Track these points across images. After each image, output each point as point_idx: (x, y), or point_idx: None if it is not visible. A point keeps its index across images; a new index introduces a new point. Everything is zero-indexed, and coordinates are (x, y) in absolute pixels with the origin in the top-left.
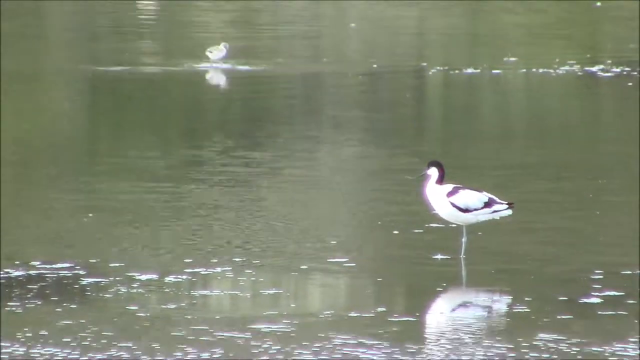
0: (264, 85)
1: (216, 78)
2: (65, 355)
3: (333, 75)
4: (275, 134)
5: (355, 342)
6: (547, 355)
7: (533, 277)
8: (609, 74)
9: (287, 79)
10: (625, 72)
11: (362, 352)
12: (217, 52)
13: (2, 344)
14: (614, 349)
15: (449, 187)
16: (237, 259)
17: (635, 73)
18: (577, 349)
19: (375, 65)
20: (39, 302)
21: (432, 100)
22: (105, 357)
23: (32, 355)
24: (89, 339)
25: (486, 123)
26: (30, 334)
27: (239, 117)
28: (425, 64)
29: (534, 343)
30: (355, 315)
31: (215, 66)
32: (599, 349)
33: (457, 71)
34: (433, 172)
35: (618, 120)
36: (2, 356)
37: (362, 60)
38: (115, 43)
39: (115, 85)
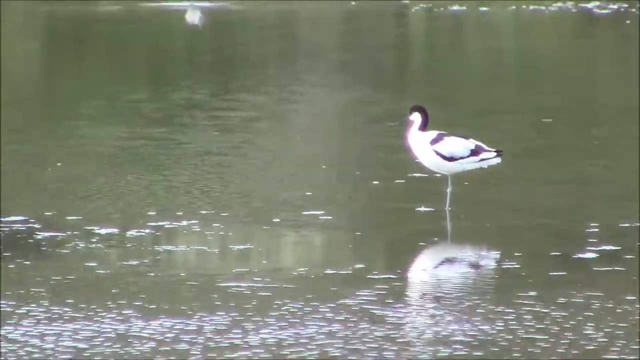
0: (238, 25)
1: (191, 17)
2: (18, 313)
3: (310, 14)
4: (249, 78)
5: (332, 301)
6: (538, 315)
7: (524, 231)
8: (606, 11)
9: (262, 18)
10: (623, 9)
11: (338, 312)
12: None
13: None
14: (611, 307)
15: (432, 133)
16: (204, 212)
17: (634, 10)
18: (572, 307)
19: (353, 3)
20: None
21: (415, 40)
22: (61, 314)
23: None
24: (44, 297)
25: (474, 64)
26: None
27: (214, 58)
28: (407, 1)
29: (524, 301)
30: (332, 272)
31: (190, 5)
32: (594, 307)
33: (441, 9)
34: (416, 117)
35: (615, 61)
36: None
37: None
38: None
39: (80, 25)
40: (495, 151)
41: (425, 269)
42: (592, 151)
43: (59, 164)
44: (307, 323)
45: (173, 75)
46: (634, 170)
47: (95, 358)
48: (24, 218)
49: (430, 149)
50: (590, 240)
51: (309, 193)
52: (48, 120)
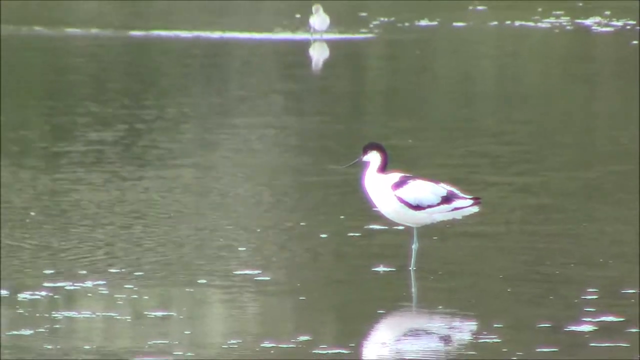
0: (157, 52)
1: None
2: None
3: (243, 38)
4: (166, 108)
5: None
6: None
7: (506, 296)
8: (607, 29)
9: (189, 45)
10: (628, 27)
11: None
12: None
13: None
14: None
15: (395, 176)
16: (113, 270)
17: None
18: None
19: (298, 16)
20: None
21: (373, 61)
22: None
23: None
24: None
25: (445, 93)
26: None
27: (124, 85)
28: (364, 14)
29: None
30: (270, 345)
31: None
32: None
33: (406, 24)
34: (373, 157)
35: (617, 91)
36: None
37: (284, 11)
38: None
39: None
40: (471, 199)
41: (385, 343)
42: (589, 202)
43: None
44: None
45: (76, 103)
46: (634, 224)
47: None
48: None
49: (392, 195)
50: (587, 309)
51: (242, 248)
52: None
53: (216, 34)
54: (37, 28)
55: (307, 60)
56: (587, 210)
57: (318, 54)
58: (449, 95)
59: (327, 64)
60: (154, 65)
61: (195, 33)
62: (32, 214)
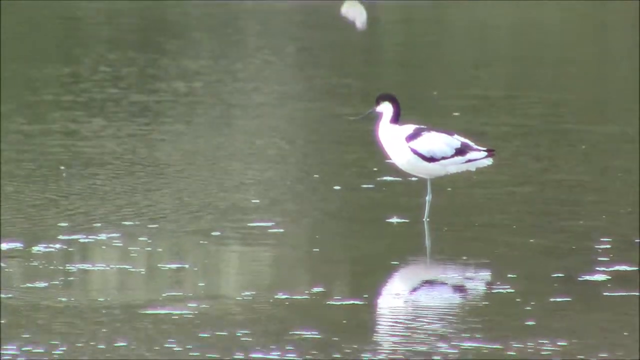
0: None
1: (351, 12)
2: None
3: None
4: (177, 58)
5: (283, 333)
6: (538, 350)
7: (519, 247)
8: None
9: (204, 5)
10: None
11: (291, 346)
12: None
13: None
14: (626, 342)
15: (409, 128)
16: (127, 223)
17: None
18: (577, 339)
19: None
20: None
21: (388, 17)
22: None
23: None
24: None
25: (460, 49)
26: None
27: (139, 34)
28: None
29: (520, 334)
30: (283, 297)
31: None
32: (604, 339)
33: None
34: (386, 108)
35: (630, 55)
36: None
37: None
38: None
39: None
40: (485, 150)
41: (399, 294)
42: (597, 152)
43: None
44: None
45: (87, 53)
46: None
47: None
48: None
49: (406, 146)
50: (600, 258)
51: (256, 200)
52: None
53: None
54: None
55: (325, 18)
56: (603, 161)
57: (352, 14)
58: (466, 52)
59: (346, 21)
60: (173, 27)
61: None
62: (62, 167)
